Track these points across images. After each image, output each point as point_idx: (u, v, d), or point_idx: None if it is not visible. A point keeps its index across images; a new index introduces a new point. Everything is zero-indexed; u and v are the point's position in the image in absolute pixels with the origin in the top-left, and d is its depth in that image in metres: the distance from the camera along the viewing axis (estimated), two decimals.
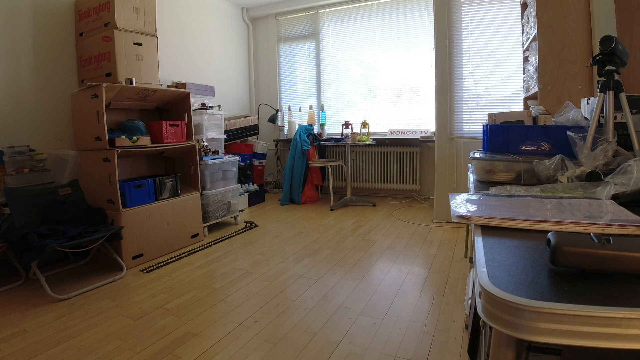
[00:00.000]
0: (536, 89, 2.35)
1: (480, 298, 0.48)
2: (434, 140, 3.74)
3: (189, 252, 2.84)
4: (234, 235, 3.27)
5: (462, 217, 0.75)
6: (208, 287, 2.22)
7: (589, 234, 0.52)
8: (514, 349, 0.48)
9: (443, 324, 1.76)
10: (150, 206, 2.70)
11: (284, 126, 5.11)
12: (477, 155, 1.28)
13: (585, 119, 1.39)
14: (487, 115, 1.81)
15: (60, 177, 2.67)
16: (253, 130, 4.72)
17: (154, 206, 2.72)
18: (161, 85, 3.05)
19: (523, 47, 2.95)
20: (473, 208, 0.82)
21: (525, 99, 2.84)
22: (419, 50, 4.37)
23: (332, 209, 4.10)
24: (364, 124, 4.40)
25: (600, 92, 1.20)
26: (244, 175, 4.35)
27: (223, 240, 3.15)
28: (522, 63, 3.04)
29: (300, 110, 5.09)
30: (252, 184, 4.53)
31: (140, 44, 2.81)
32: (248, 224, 3.57)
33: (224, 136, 3.89)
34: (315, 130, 4.80)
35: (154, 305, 2.02)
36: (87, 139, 2.56)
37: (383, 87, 4.63)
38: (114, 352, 1.59)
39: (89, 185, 2.65)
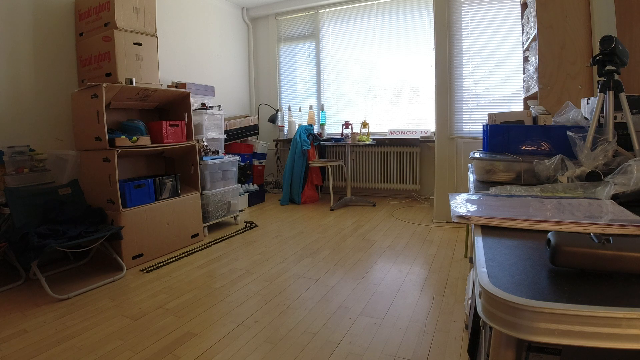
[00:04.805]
0: (536, 89, 2.35)
1: (480, 298, 0.48)
2: (434, 140, 3.74)
3: (189, 252, 2.84)
4: (234, 235, 3.27)
5: (462, 217, 0.75)
6: (208, 287, 2.22)
7: (589, 234, 0.52)
8: (514, 349, 0.48)
9: (443, 324, 1.76)
10: (150, 206, 2.70)
11: (284, 126, 5.11)
12: (477, 155, 1.28)
13: (585, 119, 1.39)
14: (487, 115, 1.81)
15: (60, 177, 2.67)
16: (253, 130, 4.72)
17: (154, 206, 2.72)
18: (161, 85, 3.05)
19: (523, 47, 2.95)
20: (473, 208, 0.82)
21: (525, 99, 2.84)
22: (419, 50, 4.37)
23: (332, 209, 4.10)
24: (364, 124, 4.40)
25: (600, 92, 1.20)
26: (244, 175, 4.35)
27: (223, 240, 3.15)
28: (522, 63, 3.04)
29: (300, 110, 5.09)
30: (252, 184, 4.53)
31: (140, 44, 2.81)
32: (248, 224, 3.57)
33: (224, 136, 3.89)
34: (315, 130, 4.80)
35: (154, 305, 2.02)
36: (87, 139, 2.56)
37: (383, 87, 4.63)
38: (114, 352, 1.59)
39: (89, 185, 2.65)
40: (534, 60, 2.48)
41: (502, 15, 3.25)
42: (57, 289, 2.20)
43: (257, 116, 4.95)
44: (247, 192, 4.34)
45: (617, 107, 1.19)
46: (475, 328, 0.83)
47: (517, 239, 0.67)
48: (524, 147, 1.34)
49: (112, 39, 2.64)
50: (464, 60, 3.38)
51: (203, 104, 3.63)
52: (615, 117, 1.20)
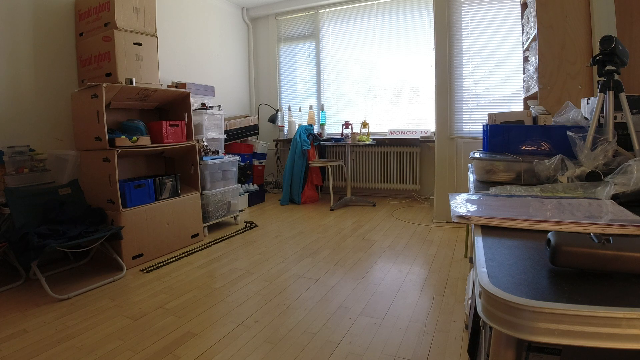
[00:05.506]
0: (536, 89, 2.35)
1: (480, 298, 0.48)
2: (434, 140, 3.74)
3: (189, 252, 2.84)
4: (234, 235, 3.27)
5: (462, 217, 0.75)
6: (208, 287, 2.22)
7: (589, 234, 0.52)
8: (514, 349, 0.48)
9: (443, 324, 1.76)
10: (150, 206, 2.69)
11: (284, 126, 5.11)
12: (477, 155, 1.28)
13: (585, 119, 1.39)
14: (487, 115, 1.81)
15: (60, 177, 2.67)
16: (253, 130, 4.72)
17: (154, 206, 2.72)
18: (161, 85, 3.05)
19: (523, 47, 2.95)
20: (473, 208, 0.82)
21: (525, 99, 2.83)
22: (419, 50, 4.37)
23: (332, 209, 4.10)
24: (364, 124, 4.40)
25: (600, 92, 1.20)
26: (244, 175, 4.35)
27: (223, 240, 3.15)
28: (522, 63, 3.04)
29: (300, 110, 5.09)
30: (252, 184, 4.53)
31: (140, 44, 2.81)
32: (248, 224, 3.57)
33: (224, 136, 3.88)
34: (315, 130, 4.80)
35: (154, 305, 2.02)
36: (87, 139, 2.56)
37: (383, 87, 4.63)
38: (114, 352, 1.59)
39: (89, 185, 2.65)
40: (534, 60, 2.48)
41: (502, 15, 3.25)
42: (57, 289, 2.20)
43: (257, 116, 4.95)
44: (247, 192, 4.34)
45: (617, 107, 1.19)
46: (475, 328, 0.83)
47: (517, 239, 0.67)
48: (524, 147, 1.34)
49: (112, 39, 2.64)
50: (464, 60, 3.38)
51: (203, 104, 3.63)
52: (615, 117, 1.20)
